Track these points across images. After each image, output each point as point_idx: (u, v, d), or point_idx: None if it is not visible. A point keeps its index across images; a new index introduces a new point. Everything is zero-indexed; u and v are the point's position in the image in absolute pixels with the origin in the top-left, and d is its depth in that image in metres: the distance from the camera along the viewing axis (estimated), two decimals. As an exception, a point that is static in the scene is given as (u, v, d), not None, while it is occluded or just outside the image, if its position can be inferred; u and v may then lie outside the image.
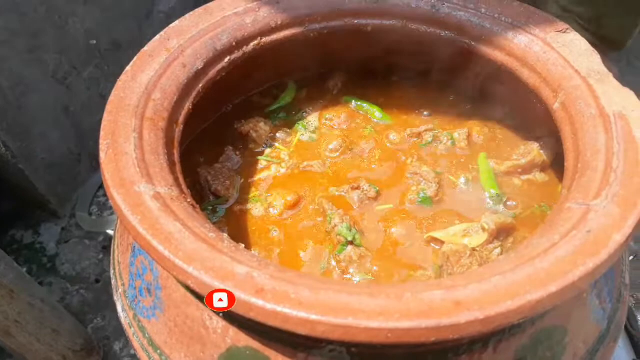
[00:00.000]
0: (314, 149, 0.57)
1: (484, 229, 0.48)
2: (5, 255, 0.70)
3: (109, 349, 0.90)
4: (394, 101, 0.61)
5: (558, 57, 0.47)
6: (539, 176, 0.54)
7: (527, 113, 0.53)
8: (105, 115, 0.43)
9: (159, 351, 0.41)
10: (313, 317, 0.30)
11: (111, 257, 0.50)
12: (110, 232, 1.04)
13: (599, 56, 0.47)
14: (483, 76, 0.55)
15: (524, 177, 0.54)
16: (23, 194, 1.01)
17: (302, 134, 0.59)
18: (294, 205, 0.52)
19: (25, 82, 0.89)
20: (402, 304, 0.30)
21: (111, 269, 0.49)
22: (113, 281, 0.48)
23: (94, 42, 0.97)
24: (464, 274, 0.33)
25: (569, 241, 0.34)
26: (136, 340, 0.44)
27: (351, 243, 0.48)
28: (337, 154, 0.57)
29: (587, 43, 0.48)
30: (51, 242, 1.04)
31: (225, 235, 0.37)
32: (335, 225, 0.49)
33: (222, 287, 0.31)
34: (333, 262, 0.48)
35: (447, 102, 0.60)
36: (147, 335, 0.42)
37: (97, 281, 0.98)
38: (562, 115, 0.45)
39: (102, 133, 0.42)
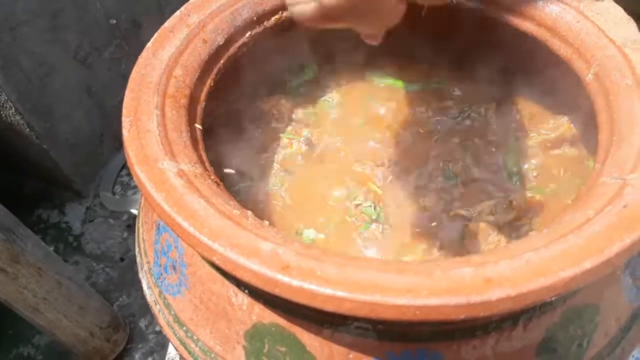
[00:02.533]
0: (337, 125, 0.56)
1: (511, 205, 0.47)
2: (32, 234, 0.71)
3: (134, 326, 0.92)
4: (419, 76, 0.60)
5: (592, 26, 0.45)
6: (568, 150, 0.52)
7: (557, 86, 0.51)
8: (127, 93, 0.43)
9: (184, 328, 0.42)
10: (339, 293, 0.29)
11: (135, 235, 0.50)
12: (133, 211, 1.05)
13: (635, 24, 0.45)
14: (511, 49, 0.53)
15: (553, 152, 0.52)
16: (48, 174, 1.03)
17: (325, 110, 0.58)
18: (317, 182, 0.52)
19: (48, 62, 0.89)
20: (431, 280, 0.30)
21: (136, 246, 0.50)
22: (138, 259, 0.49)
23: (114, 21, 0.97)
24: (495, 250, 0.32)
25: (604, 216, 0.33)
26: (162, 317, 0.44)
27: (375, 221, 0.48)
28: (361, 130, 0.56)
29: (623, 11, 0.46)
30: (76, 222, 1.05)
31: (249, 212, 0.37)
32: (360, 203, 0.49)
33: (247, 263, 0.31)
34: (358, 240, 0.47)
35: (473, 76, 0.58)
36: (172, 312, 0.43)
37: (122, 259, 1.00)
38: (596, 86, 0.43)
39: (124, 110, 0.41)
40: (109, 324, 0.84)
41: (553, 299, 0.30)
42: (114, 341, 0.85)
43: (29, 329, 0.87)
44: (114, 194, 1.08)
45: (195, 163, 0.39)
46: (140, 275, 0.48)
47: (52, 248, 1.02)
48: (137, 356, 0.89)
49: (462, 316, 0.29)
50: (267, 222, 0.37)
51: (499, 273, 0.30)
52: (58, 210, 1.07)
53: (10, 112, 0.87)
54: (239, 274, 0.32)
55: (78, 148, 1.01)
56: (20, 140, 0.94)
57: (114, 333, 0.85)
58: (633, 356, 0.71)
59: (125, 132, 0.40)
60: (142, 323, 0.92)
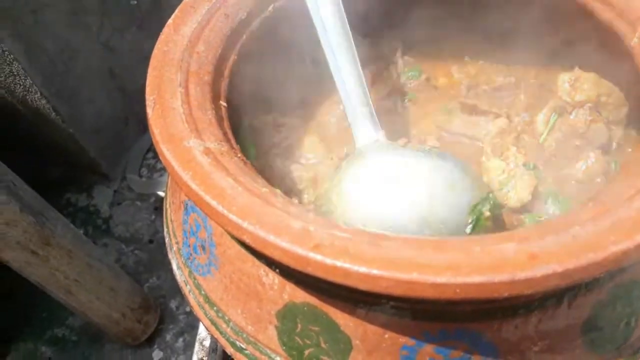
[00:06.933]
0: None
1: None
2: (61, 217, 0.72)
3: (165, 307, 0.92)
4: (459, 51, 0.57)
5: (637, -15, 0.42)
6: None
7: (600, 58, 0.48)
8: (150, 70, 0.42)
9: (215, 308, 0.41)
10: (375, 272, 0.28)
11: (163, 216, 0.50)
12: (160, 193, 1.05)
13: (684, -18, 0.42)
14: (549, 16, 0.50)
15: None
16: (75, 158, 1.04)
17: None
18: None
19: (71, 45, 0.89)
20: (472, 257, 0.28)
21: (164, 227, 0.49)
22: (167, 239, 0.48)
23: (135, 2, 0.96)
24: (538, 224, 0.31)
25: (656, 187, 0.31)
26: (192, 298, 0.44)
27: None
28: (390, 103, 0.54)
29: (671, -32, 0.43)
30: (104, 205, 1.06)
31: (278, 190, 0.36)
32: None
33: (278, 241, 0.30)
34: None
35: (512, 48, 0.55)
36: (202, 292, 0.42)
37: (151, 241, 1.01)
38: (642, 50, 0.40)
39: (147, 88, 0.40)
40: (140, 305, 0.85)
41: (602, 275, 0.29)
42: (145, 322, 0.86)
43: (63, 310, 0.89)
44: (140, 176, 1.08)
45: (221, 141, 0.38)
46: (170, 256, 0.48)
47: (81, 231, 1.03)
48: (168, 337, 0.90)
49: (505, 294, 0.27)
50: (296, 200, 0.36)
51: (544, 248, 0.28)
52: (86, 193, 1.08)
53: (36, 96, 0.87)
54: (270, 253, 0.31)
55: (103, 131, 1.01)
56: (46, 125, 0.94)
57: (145, 314, 0.86)
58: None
59: (149, 111, 0.39)
60: (173, 304, 0.93)
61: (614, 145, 0.49)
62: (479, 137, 0.50)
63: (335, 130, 0.55)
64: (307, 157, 0.53)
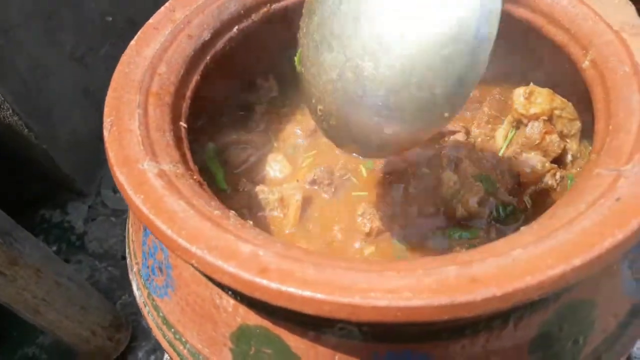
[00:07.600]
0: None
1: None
2: (30, 235, 0.71)
3: (137, 324, 0.91)
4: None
5: (588, 10, 0.43)
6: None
7: (556, 78, 0.50)
8: (110, 92, 0.42)
9: (172, 330, 0.41)
10: (318, 296, 0.29)
11: (126, 237, 0.50)
12: (135, 209, 1.05)
13: (633, 8, 0.43)
14: (505, 37, 0.51)
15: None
16: (49, 174, 1.03)
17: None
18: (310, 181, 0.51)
19: (44, 64, 0.89)
20: (413, 281, 0.29)
21: (126, 247, 0.49)
22: (128, 260, 0.48)
23: (110, 19, 0.96)
24: (482, 247, 0.31)
25: (596, 210, 0.31)
26: (151, 319, 0.43)
27: None
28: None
29: (620, -6, 0.44)
30: (79, 221, 1.05)
31: (232, 212, 0.36)
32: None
33: (225, 266, 0.30)
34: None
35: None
36: (161, 314, 0.42)
37: (124, 258, 1.00)
38: (592, 73, 0.41)
39: (105, 110, 0.41)
40: (110, 323, 0.84)
41: (541, 297, 0.29)
42: (116, 340, 0.85)
43: (33, 329, 0.87)
44: (115, 192, 1.07)
45: (177, 163, 0.38)
46: (130, 276, 0.48)
47: (55, 248, 1.02)
48: (140, 354, 0.89)
49: (445, 317, 0.28)
50: (250, 222, 0.36)
51: (485, 272, 0.29)
52: (60, 209, 1.07)
53: (8, 113, 0.87)
54: (218, 277, 0.31)
55: (78, 147, 1.01)
56: (20, 142, 0.93)
57: (116, 332, 0.85)
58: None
59: (106, 133, 0.39)
60: (145, 322, 0.92)
61: (569, 157, 0.50)
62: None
63: (301, 148, 0.55)
64: (273, 175, 0.53)
